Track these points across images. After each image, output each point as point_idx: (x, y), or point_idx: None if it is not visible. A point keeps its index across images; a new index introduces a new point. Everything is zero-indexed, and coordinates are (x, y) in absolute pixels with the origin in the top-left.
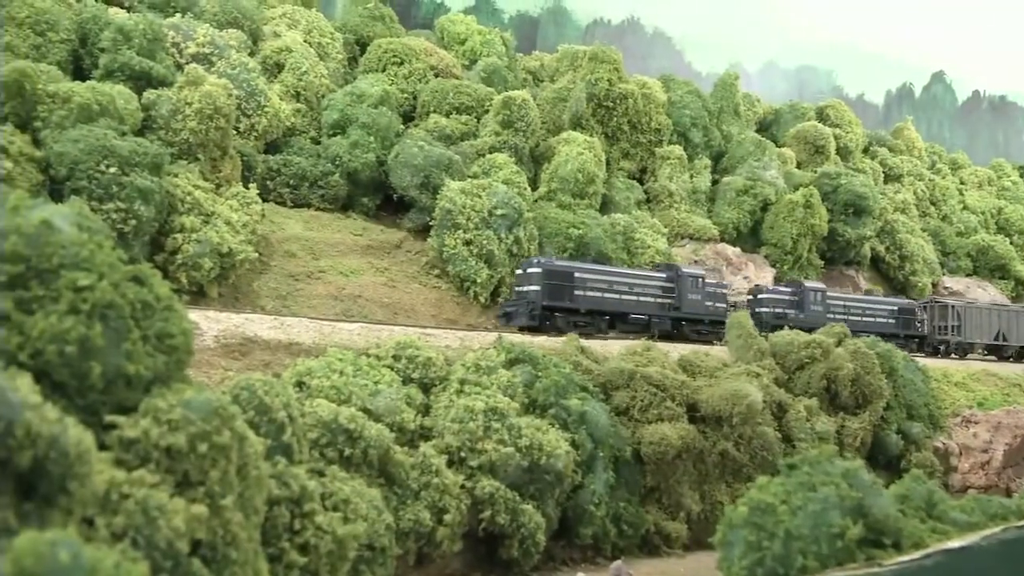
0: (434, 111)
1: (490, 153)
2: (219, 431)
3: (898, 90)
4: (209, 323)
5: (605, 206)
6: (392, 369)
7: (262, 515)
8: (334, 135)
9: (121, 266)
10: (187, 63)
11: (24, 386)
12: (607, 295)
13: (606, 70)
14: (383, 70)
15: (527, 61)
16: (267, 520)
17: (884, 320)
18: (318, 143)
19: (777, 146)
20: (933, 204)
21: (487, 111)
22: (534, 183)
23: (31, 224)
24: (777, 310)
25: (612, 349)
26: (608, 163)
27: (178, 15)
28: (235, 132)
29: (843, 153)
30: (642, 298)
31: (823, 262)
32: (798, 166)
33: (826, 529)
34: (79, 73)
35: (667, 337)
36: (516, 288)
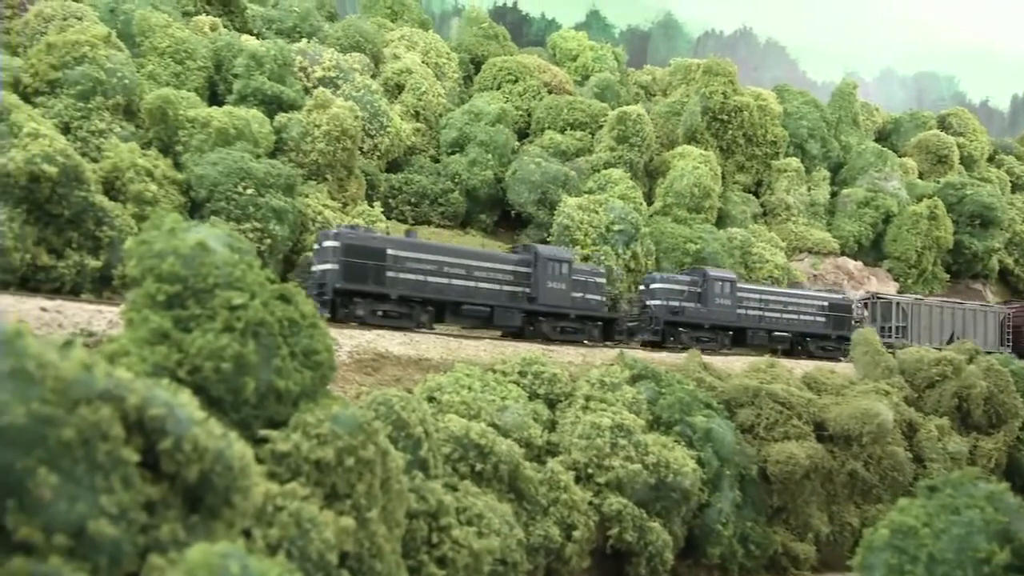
0: (549, 127)
1: (605, 168)
2: (364, 445)
3: None
4: (343, 339)
5: (721, 220)
6: (518, 385)
7: (403, 528)
8: (453, 153)
9: (269, 285)
10: (314, 87)
11: (189, 402)
12: (432, 279)
13: (720, 82)
14: (498, 88)
15: (638, 75)
16: (406, 533)
17: (810, 318)
18: (437, 161)
19: (898, 156)
20: None
21: (601, 126)
22: (649, 198)
23: (187, 245)
24: (672, 303)
25: (735, 366)
26: (723, 177)
27: (304, 40)
28: (359, 152)
29: (967, 162)
30: (483, 284)
31: (948, 275)
32: (920, 176)
33: (971, 554)
34: (214, 98)
35: (519, 336)
36: (312, 267)
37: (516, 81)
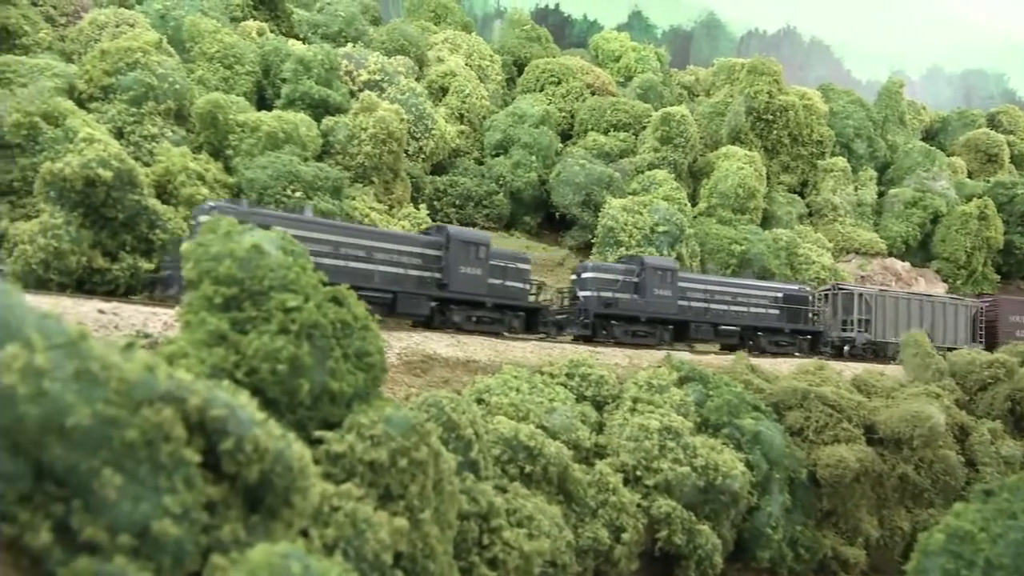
0: (592, 129)
1: (649, 170)
2: (417, 447)
3: None
4: (392, 340)
5: (766, 221)
6: (565, 387)
7: (455, 529)
8: (497, 155)
9: (321, 287)
10: (360, 90)
11: (248, 403)
12: (323, 260)
13: (765, 82)
14: (541, 90)
15: (681, 76)
16: (458, 534)
17: (762, 311)
18: (481, 163)
19: (946, 155)
20: None
21: (644, 127)
22: (693, 199)
23: (243, 248)
24: (604, 294)
25: (782, 368)
26: (768, 177)
27: (349, 44)
28: (405, 155)
29: (1018, 161)
30: (385, 268)
31: (999, 276)
32: (969, 176)
33: None
34: (262, 103)
35: (428, 326)
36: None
37: (559, 83)
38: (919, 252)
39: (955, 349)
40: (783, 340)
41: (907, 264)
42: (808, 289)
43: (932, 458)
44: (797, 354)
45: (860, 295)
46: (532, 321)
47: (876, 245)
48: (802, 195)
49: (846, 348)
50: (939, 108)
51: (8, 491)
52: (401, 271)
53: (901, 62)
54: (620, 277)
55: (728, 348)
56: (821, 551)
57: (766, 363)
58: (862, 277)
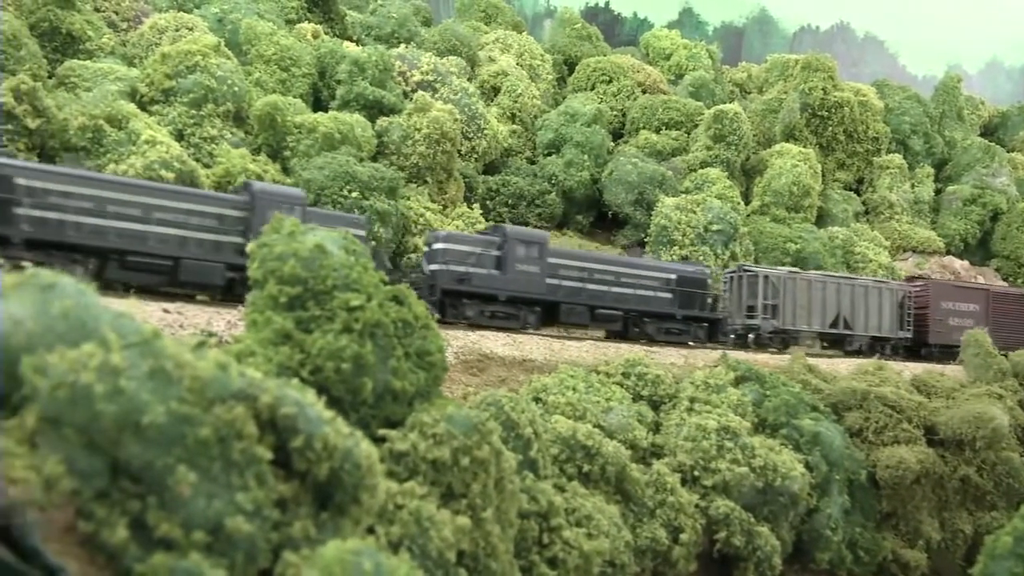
0: (644, 127)
1: (702, 168)
2: (479, 445)
3: None
4: (449, 339)
5: (821, 219)
6: (622, 386)
7: (515, 528)
8: (549, 154)
9: (383, 287)
10: (413, 91)
11: (316, 402)
12: (88, 219)
13: (820, 78)
14: (592, 88)
15: (733, 73)
16: (518, 533)
17: (650, 293)
18: (533, 163)
19: (1006, 151)
20: None
21: (696, 125)
22: (746, 197)
23: (306, 248)
24: (456, 268)
25: (840, 368)
26: (823, 174)
27: (402, 45)
28: (458, 155)
29: None
30: (164, 230)
31: None
32: None
33: None
34: (318, 104)
35: (225, 298)
36: None
37: (610, 81)
38: (978, 250)
39: (879, 338)
40: (675, 327)
41: (966, 263)
42: (708, 271)
43: (995, 460)
44: (691, 343)
45: (766, 277)
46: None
47: (934, 243)
48: (858, 193)
49: (751, 337)
50: (998, 103)
51: (85, 488)
52: (189, 234)
53: (958, 56)
54: (477, 249)
55: (615, 335)
56: (881, 554)
57: (823, 363)
58: (919, 276)
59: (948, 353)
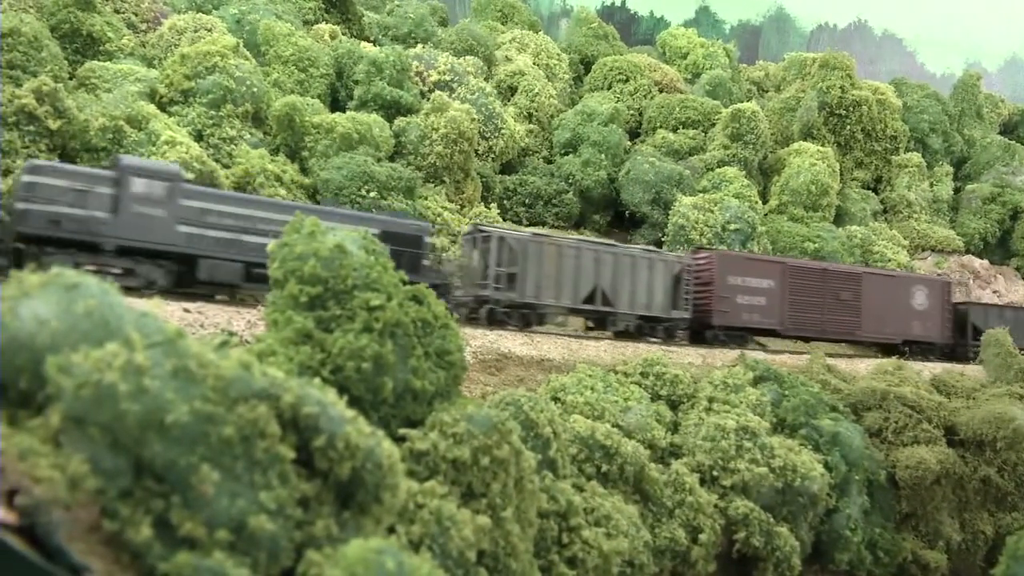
0: (660, 126)
1: (719, 167)
2: (499, 445)
3: None
4: (467, 339)
5: (839, 218)
6: (640, 386)
7: (535, 527)
8: (566, 154)
9: (402, 286)
10: (430, 90)
11: (338, 401)
12: None
13: (838, 77)
14: (608, 87)
15: (750, 71)
16: (538, 533)
17: None
18: (551, 162)
19: None
20: None
21: (713, 124)
22: (764, 196)
23: (327, 248)
24: (46, 207)
25: (859, 368)
26: (841, 173)
27: (419, 46)
28: (475, 154)
29: None
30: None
31: None
32: None
33: None
34: (336, 104)
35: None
36: None
37: (627, 80)
38: (998, 249)
39: (649, 317)
40: None
41: (985, 262)
42: (428, 227)
43: (1016, 461)
44: None
45: (502, 239)
46: None
47: (953, 242)
48: (876, 191)
49: (482, 311)
50: (1018, 100)
51: (110, 487)
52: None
53: (977, 53)
54: (78, 185)
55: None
56: (901, 554)
57: (842, 363)
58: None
59: (737, 337)
